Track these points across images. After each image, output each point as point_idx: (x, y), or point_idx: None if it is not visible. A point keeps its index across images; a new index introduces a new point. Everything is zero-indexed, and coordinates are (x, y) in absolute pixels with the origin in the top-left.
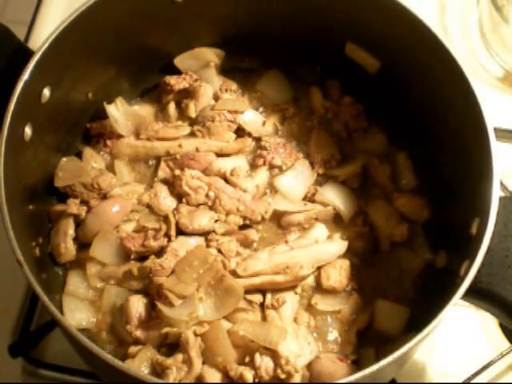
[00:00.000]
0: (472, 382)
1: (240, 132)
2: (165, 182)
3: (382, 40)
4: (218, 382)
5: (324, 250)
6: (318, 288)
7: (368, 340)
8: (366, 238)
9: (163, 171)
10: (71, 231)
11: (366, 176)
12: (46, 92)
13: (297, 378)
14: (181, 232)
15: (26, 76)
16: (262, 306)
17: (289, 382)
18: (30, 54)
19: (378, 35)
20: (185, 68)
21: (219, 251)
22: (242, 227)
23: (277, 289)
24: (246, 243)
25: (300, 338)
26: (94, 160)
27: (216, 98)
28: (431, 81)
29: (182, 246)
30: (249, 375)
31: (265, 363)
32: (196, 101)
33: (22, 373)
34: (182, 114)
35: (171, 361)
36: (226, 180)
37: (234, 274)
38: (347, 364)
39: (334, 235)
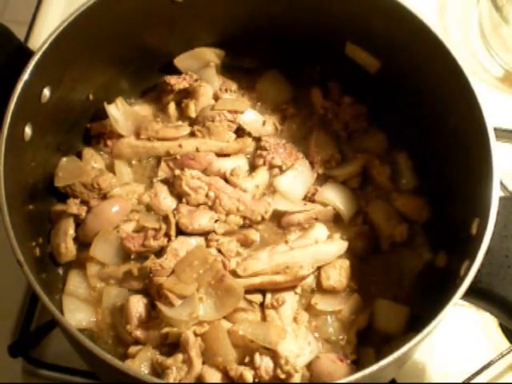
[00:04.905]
0: (472, 382)
1: (240, 132)
2: (165, 182)
3: (382, 40)
4: (218, 382)
5: (324, 250)
6: (318, 288)
7: (368, 340)
8: (366, 238)
9: (163, 171)
10: (71, 231)
11: (366, 176)
12: (46, 92)
13: (297, 377)
14: (181, 232)
15: (26, 76)
16: (262, 305)
17: (289, 381)
18: (29, 53)
19: (378, 35)
20: (185, 68)
21: (219, 251)
22: (242, 227)
23: (277, 289)
24: (246, 243)
25: (300, 337)
26: (94, 160)
27: (216, 97)
28: (431, 81)
29: (182, 245)
30: (249, 375)
31: (265, 363)
32: (196, 101)
33: (22, 373)
34: (182, 114)
35: (171, 361)
36: (226, 180)
37: (234, 273)
38: (347, 364)
39: (334, 235)
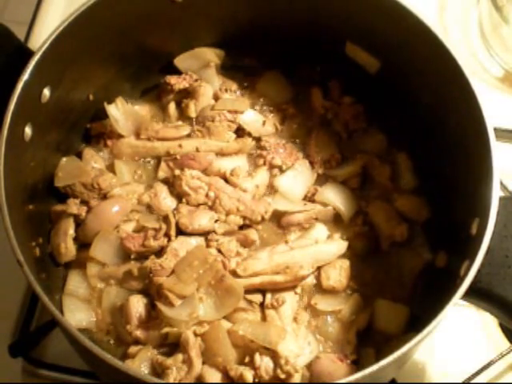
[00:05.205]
0: (472, 382)
1: (240, 132)
2: (165, 182)
3: (382, 40)
4: (218, 382)
5: (324, 250)
6: (318, 288)
7: (368, 340)
8: (366, 238)
9: (163, 171)
10: (71, 231)
11: (366, 176)
12: (46, 92)
13: (297, 377)
14: (181, 232)
15: (26, 76)
16: (262, 305)
17: (289, 381)
18: (29, 54)
19: (378, 35)
20: (185, 68)
21: (219, 251)
22: (242, 227)
23: (277, 289)
24: (246, 243)
25: (300, 337)
26: (94, 160)
27: (216, 97)
28: (431, 81)
29: (182, 245)
30: (249, 375)
31: (265, 363)
32: (196, 101)
33: (22, 373)
34: (182, 114)
35: (171, 361)
36: (226, 180)
37: (234, 274)
38: (347, 364)
39: (334, 235)
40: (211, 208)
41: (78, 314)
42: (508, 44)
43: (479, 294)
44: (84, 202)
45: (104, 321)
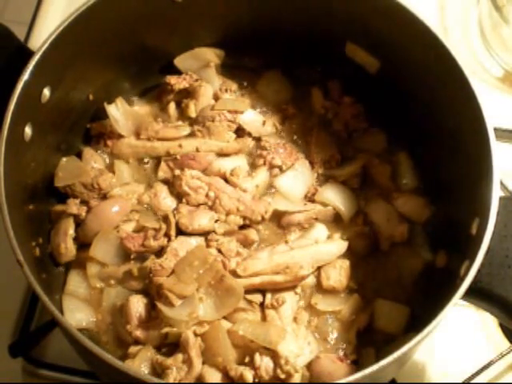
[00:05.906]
0: (472, 382)
1: (240, 132)
2: (165, 182)
3: (382, 40)
4: (218, 382)
5: (324, 250)
6: (318, 288)
7: (368, 340)
8: (366, 238)
9: (163, 171)
10: (71, 231)
11: (366, 176)
12: (46, 92)
13: (296, 377)
14: (181, 232)
15: (26, 76)
16: (262, 305)
17: (288, 381)
18: (29, 53)
19: (378, 35)
20: (185, 68)
21: (219, 251)
22: (242, 227)
23: (277, 289)
24: (246, 243)
25: (300, 337)
26: (94, 160)
27: (216, 97)
28: (431, 81)
29: (182, 245)
30: (249, 375)
31: (265, 363)
32: (196, 101)
33: (22, 373)
34: (182, 114)
35: (171, 361)
36: (226, 180)
37: (234, 274)
38: (347, 364)
39: (334, 235)
40: (211, 208)
41: (78, 314)
42: (508, 44)
43: (479, 294)
44: (84, 202)
45: (104, 321)
